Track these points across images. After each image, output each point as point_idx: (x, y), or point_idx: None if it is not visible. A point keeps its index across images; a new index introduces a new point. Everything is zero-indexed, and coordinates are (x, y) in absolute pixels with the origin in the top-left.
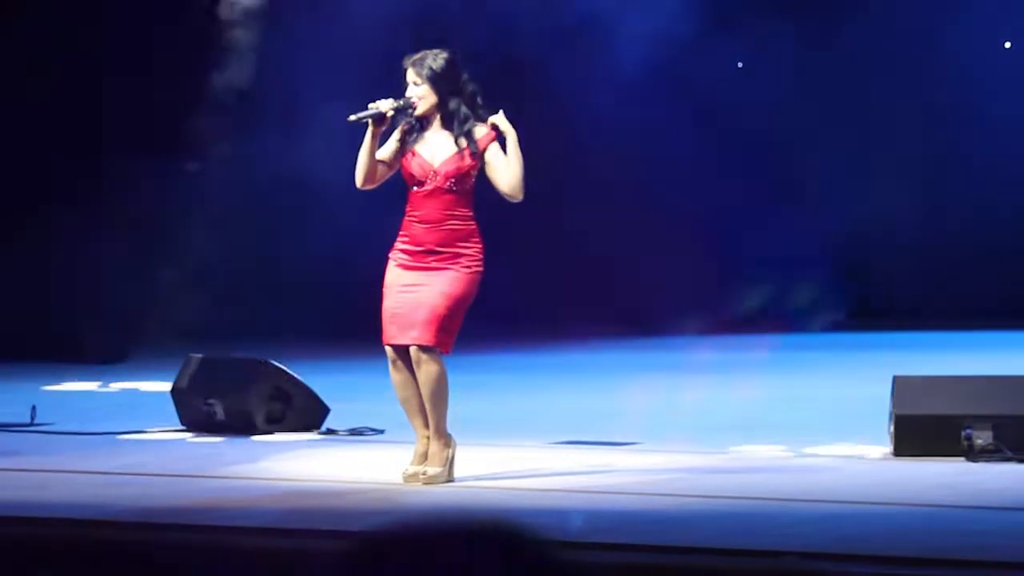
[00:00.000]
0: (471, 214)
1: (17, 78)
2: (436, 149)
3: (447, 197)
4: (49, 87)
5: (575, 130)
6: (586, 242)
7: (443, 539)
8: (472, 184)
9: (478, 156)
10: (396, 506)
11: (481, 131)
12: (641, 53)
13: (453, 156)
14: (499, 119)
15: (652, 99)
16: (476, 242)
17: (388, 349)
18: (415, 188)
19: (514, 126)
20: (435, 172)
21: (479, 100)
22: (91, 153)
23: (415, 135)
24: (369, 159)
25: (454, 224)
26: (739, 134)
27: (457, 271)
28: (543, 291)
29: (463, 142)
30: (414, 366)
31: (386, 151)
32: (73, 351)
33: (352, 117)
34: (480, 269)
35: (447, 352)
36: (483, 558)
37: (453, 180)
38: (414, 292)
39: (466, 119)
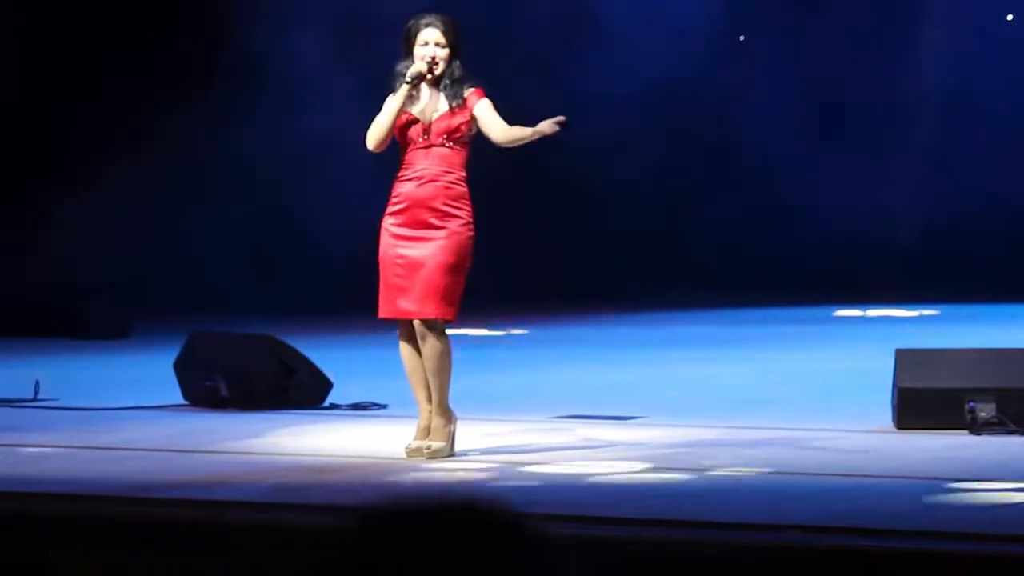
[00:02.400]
0: (464, 175)
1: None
2: (428, 107)
3: (441, 154)
4: (48, 62)
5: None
6: (590, 216)
7: (431, 516)
8: (466, 143)
9: (467, 112)
10: (399, 481)
11: (468, 89)
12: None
13: (445, 113)
14: (548, 124)
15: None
16: (467, 204)
17: (399, 322)
18: (408, 147)
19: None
20: (427, 129)
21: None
22: (91, 130)
23: (410, 96)
24: (393, 121)
25: (447, 181)
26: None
27: (447, 237)
28: (544, 266)
29: (454, 101)
30: (419, 340)
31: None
32: (76, 327)
33: (409, 81)
34: (471, 233)
35: (453, 319)
36: (470, 534)
37: (445, 136)
38: (410, 264)
39: (459, 78)
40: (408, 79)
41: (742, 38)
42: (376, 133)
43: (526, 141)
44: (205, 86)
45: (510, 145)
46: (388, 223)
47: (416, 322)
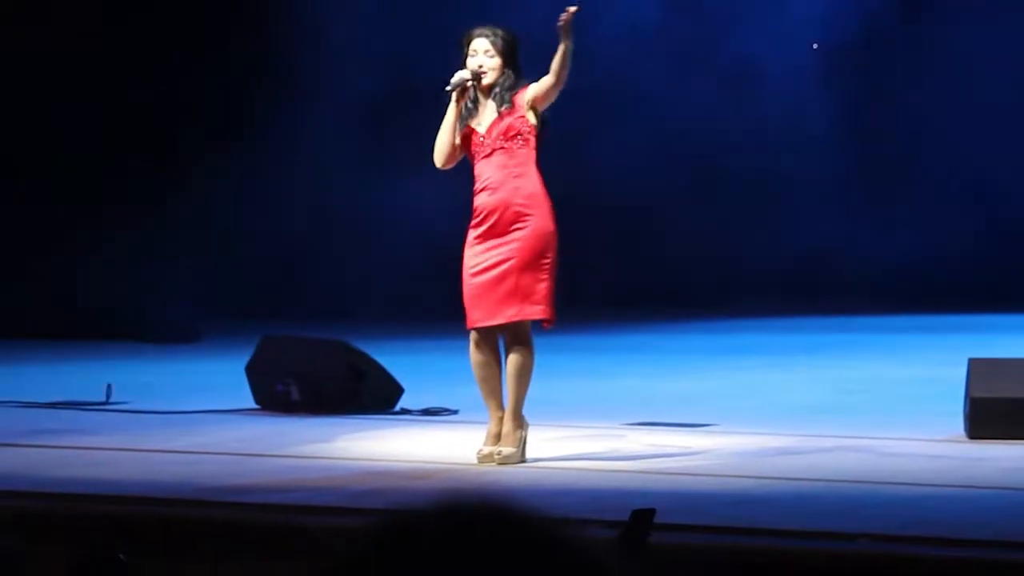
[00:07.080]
0: (532, 171)
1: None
2: (484, 118)
3: (502, 156)
4: (119, 80)
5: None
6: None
7: (442, 521)
8: (527, 140)
9: (517, 109)
10: (471, 486)
11: (516, 88)
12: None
13: (496, 118)
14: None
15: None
16: (541, 200)
17: (472, 331)
18: (475, 160)
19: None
20: (485, 137)
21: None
22: (162, 136)
23: (469, 110)
24: (452, 134)
25: (516, 183)
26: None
27: (523, 239)
28: (623, 273)
29: (503, 105)
30: (507, 345)
31: (456, 132)
32: (146, 331)
33: (449, 88)
34: (549, 228)
35: (548, 317)
36: (485, 538)
37: (503, 138)
38: (492, 272)
39: (509, 86)
40: (448, 87)
41: (815, 46)
42: (439, 148)
43: (568, 54)
44: (278, 87)
45: (564, 73)
46: (470, 237)
47: (508, 327)
